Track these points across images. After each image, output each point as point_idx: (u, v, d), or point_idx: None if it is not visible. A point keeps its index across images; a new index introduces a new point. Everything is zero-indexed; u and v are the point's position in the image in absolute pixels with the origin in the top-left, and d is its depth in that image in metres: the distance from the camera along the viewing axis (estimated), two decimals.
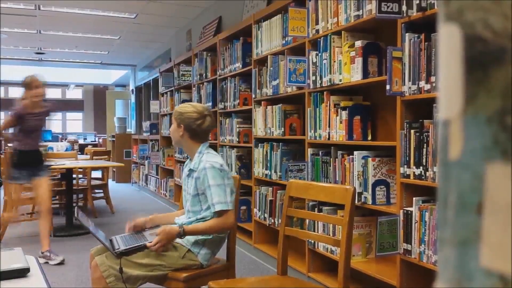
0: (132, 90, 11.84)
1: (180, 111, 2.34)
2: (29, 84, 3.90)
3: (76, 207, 2.20)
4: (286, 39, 3.58)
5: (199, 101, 5.58)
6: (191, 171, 2.32)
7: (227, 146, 4.71)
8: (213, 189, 2.19)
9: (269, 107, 3.83)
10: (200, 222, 2.26)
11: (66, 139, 14.91)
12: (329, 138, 3.02)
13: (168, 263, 2.14)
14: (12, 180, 4.06)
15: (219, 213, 2.20)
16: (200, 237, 2.24)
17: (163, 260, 2.13)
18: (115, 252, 2.03)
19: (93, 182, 6.13)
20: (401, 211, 2.42)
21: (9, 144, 4.50)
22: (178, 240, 2.20)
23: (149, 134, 8.27)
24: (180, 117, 2.33)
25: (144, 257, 2.11)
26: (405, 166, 2.39)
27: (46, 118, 4.20)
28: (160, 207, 6.68)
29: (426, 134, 2.27)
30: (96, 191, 6.49)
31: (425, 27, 2.28)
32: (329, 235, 2.95)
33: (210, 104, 5.19)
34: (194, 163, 2.30)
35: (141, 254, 2.11)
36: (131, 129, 11.70)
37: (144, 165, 8.54)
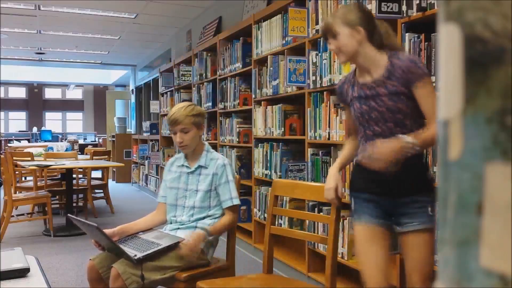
0: (132, 90, 11.85)
1: (196, 113, 2.32)
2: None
3: (96, 226, 2.05)
4: (286, 39, 3.58)
5: (199, 101, 5.58)
6: (199, 168, 2.33)
7: (227, 146, 4.71)
8: (231, 184, 2.28)
9: (269, 107, 3.83)
10: (206, 219, 2.28)
11: (66, 139, 14.91)
12: (329, 138, 3.02)
13: (186, 265, 2.14)
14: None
15: (235, 208, 2.28)
16: (210, 237, 2.26)
17: (182, 262, 2.13)
18: (135, 260, 1.99)
19: (93, 182, 6.13)
20: None
21: None
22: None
23: (149, 134, 8.27)
24: (199, 119, 2.32)
25: (165, 260, 2.10)
26: None
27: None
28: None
29: None
30: (96, 191, 6.49)
31: (425, 27, 2.28)
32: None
33: (210, 104, 5.20)
34: (205, 161, 2.33)
35: (161, 257, 2.10)
36: (131, 129, 11.70)
37: (144, 165, 8.54)
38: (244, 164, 4.50)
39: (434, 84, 1.77)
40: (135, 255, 2.01)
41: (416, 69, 1.68)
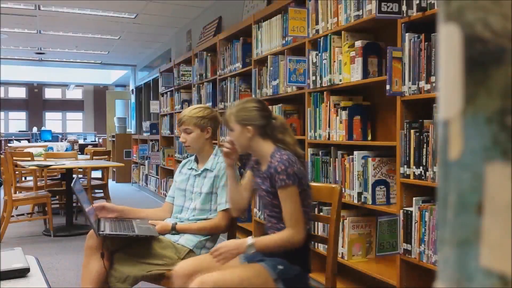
0: (132, 90, 11.85)
1: (202, 115, 2.35)
2: None
3: (77, 176, 2.24)
4: (286, 39, 3.58)
5: (199, 101, 5.58)
6: (205, 171, 2.34)
7: None
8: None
9: (269, 107, 3.82)
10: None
11: (66, 139, 14.92)
12: (329, 138, 3.02)
13: (168, 263, 2.14)
14: None
15: (227, 212, 2.26)
16: (202, 238, 2.26)
17: (163, 260, 2.13)
18: (99, 234, 2.05)
19: (93, 182, 6.13)
20: (401, 211, 2.42)
21: None
22: (180, 241, 2.22)
23: (149, 134, 8.27)
24: (204, 121, 2.36)
25: (143, 256, 2.11)
26: (405, 166, 2.39)
27: None
28: (160, 207, 6.67)
29: (426, 134, 2.27)
30: (96, 191, 6.48)
31: (425, 27, 2.28)
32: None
33: (210, 104, 5.19)
34: (211, 164, 2.34)
35: (140, 252, 2.11)
36: (131, 129, 11.70)
37: (144, 165, 8.53)
38: (244, 164, 4.50)
39: (292, 193, 1.79)
40: (103, 231, 2.07)
41: (279, 175, 1.76)
